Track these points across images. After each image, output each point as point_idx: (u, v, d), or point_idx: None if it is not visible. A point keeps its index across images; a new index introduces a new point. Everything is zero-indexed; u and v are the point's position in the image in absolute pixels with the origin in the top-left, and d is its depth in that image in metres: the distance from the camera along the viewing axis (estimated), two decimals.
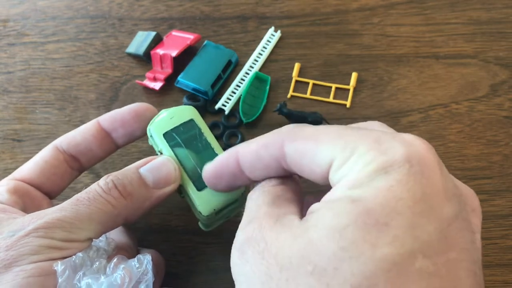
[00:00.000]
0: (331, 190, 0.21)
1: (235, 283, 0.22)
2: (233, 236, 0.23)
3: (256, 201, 0.24)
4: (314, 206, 0.21)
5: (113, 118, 0.32)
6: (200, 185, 0.29)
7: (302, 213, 0.23)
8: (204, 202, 0.29)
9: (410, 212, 0.19)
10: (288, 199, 0.24)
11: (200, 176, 0.29)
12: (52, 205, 0.31)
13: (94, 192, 0.27)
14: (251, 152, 0.25)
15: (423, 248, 0.18)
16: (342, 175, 0.21)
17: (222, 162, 0.26)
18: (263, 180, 0.25)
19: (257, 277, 0.20)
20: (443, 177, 0.20)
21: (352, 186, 0.20)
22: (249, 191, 0.26)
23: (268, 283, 0.20)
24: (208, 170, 0.27)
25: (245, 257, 0.21)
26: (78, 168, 0.32)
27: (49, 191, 0.31)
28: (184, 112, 0.31)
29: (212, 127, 0.40)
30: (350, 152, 0.21)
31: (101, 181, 0.27)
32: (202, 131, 0.30)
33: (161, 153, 0.30)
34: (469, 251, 0.20)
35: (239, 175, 0.26)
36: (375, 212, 0.19)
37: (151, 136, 0.30)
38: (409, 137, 0.21)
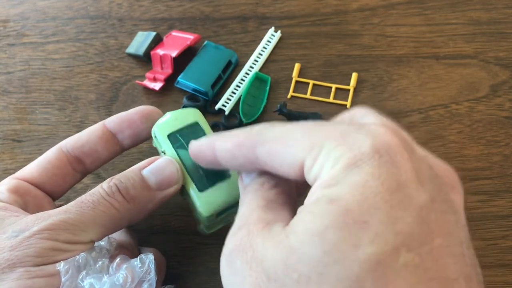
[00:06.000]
0: (310, 190, 0.21)
1: None
2: None
3: (249, 206, 0.23)
4: (298, 210, 0.21)
5: (120, 119, 0.32)
6: (202, 186, 0.29)
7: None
8: (205, 203, 0.29)
9: (388, 206, 0.18)
10: (281, 204, 0.23)
11: (201, 177, 0.29)
12: (54, 206, 0.31)
13: (98, 195, 0.27)
14: (227, 150, 0.24)
15: (406, 241, 0.18)
16: (316, 174, 0.20)
17: (200, 149, 0.26)
18: (254, 175, 0.25)
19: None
20: (413, 161, 0.20)
21: (327, 185, 0.20)
22: None
23: None
24: (191, 152, 0.28)
25: (234, 266, 0.21)
26: (82, 170, 0.32)
27: (51, 191, 0.31)
28: (189, 115, 0.31)
29: (212, 127, 0.40)
30: (318, 150, 0.20)
31: (105, 184, 0.27)
32: (206, 134, 0.31)
33: (164, 154, 0.30)
34: (454, 233, 0.19)
35: (218, 164, 0.25)
36: (353, 210, 0.18)
37: (155, 137, 0.30)
38: (373, 126, 0.21)
